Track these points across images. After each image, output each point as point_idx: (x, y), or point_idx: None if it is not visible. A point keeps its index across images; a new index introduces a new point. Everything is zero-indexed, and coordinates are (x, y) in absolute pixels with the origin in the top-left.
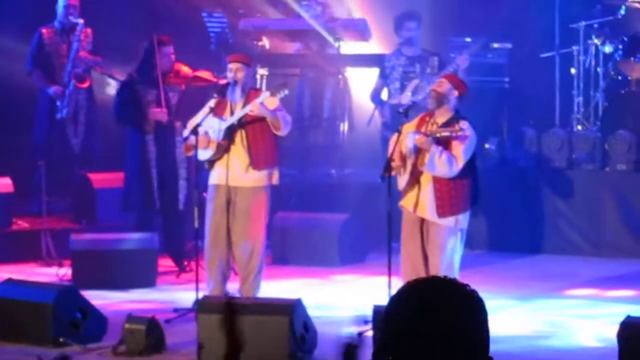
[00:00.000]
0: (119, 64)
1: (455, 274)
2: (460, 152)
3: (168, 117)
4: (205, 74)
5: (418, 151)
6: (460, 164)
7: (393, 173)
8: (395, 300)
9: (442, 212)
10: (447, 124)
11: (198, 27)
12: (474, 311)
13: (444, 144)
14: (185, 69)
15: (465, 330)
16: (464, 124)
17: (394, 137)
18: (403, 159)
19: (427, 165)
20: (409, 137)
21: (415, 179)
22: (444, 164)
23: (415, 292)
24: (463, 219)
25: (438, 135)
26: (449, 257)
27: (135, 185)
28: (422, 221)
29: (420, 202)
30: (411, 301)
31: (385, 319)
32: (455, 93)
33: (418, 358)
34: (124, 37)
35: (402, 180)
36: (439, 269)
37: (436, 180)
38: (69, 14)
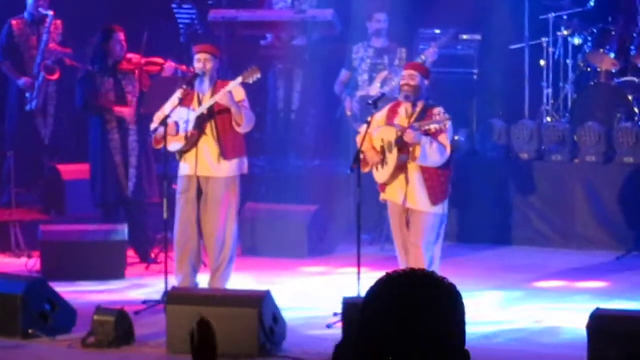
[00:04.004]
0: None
1: (437, 263)
2: (446, 140)
3: (134, 115)
4: (156, 59)
5: (403, 144)
6: (449, 151)
7: (367, 168)
8: (372, 293)
9: (434, 200)
10: (423, 113)
11: (168, 19)
12: (451, 304)
13: (429, 134)
14: (136, 57)
15: (443, 323)
16: (441, 111)
17: (363, 128)
18: (381, 152)
19: (420, 158)
20: (383, 130)
21: (400, 170)
22: (436, 154)
23: (392, 285)
24: (447, 204)
25: (427, 128)
26: (430, 243)
27: (101, 176)
28: (408, 211)
29: (409, 194)
30: (388, 294)
31: (362, 311)
32: (426, 82)
33: (394, 351)
34: (94, 29)
35: (383, 174)
36: (422, 257)
37: (424, 170)
38: (39, 6)
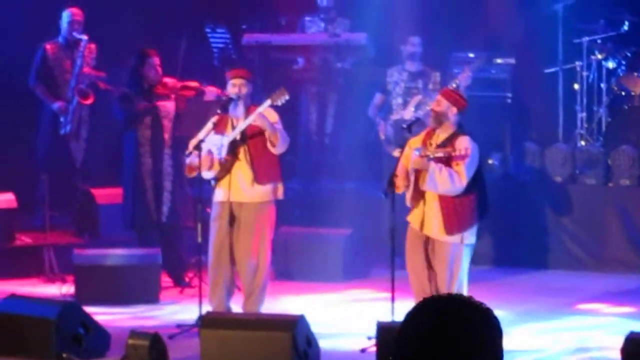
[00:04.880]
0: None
1: (464, 289)
2: (463, 169)
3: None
4: (192, 83)
5: (418, 170)
6: (464, 180)
7: (400, 190)
8: (409, 317)
9: (449, 230)
10: (447, 140)
11: (202, 43)
12: (488, 329)
13: (445, 162)
14: (172, 81)
15: (480, 348)
16: (464, 140)
17: (397, 152)
18: (408, 176)
19: (427, 184)
20: (412, 154)
21: (419, 195)
22: (445, 181)
23: (430, 309)
24: (470, 234)
25: (433, 156)
26: (455, 273)
27: (132, 200)
28: (427, 237)
29: (426, 221)
30: (426, 319)
31: (398, 336)
32: (454, 110)
33: None
34: (128, 53)
35: (407, 197)
36: (446, 285)
37: (441, 198)
38: (73, 30)
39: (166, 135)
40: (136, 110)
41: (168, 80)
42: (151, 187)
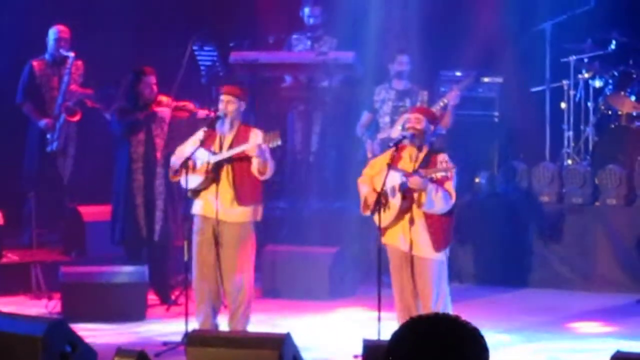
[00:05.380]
0: (109, 96)
1: (449, 307)
2: (452, 188)
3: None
4: (186, 104)
5: (407, 190)
6: (454, 198)
7: (368, 211)
8: (397, 337)
9: (437, 247)
10: (427, 158)
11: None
12: (475, 348)
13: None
14: (166, 99)
15: None
16: (445, 157)
17: (384, 171)
18: (383, 196)
19: (426, 205)
20: (394, 176)
21: (402, 216)
22: (441, 201)
23: (418, 329)
24: (447, 250)
25: (433, 176)
26: (441, 292)
27: (122, 216)
28: (411, 256)
29: (413, 240)
30: (413, 338)
31: (386, 354)
32: (432, 128)
33: None
34: (116, 71)
35: (385, 218)
36: (433, 304)
37: (428, 217)
38: (60, 47)
39: (158, 154)
40: (136, 118)
41: (163, 98)
42: (142, 204)
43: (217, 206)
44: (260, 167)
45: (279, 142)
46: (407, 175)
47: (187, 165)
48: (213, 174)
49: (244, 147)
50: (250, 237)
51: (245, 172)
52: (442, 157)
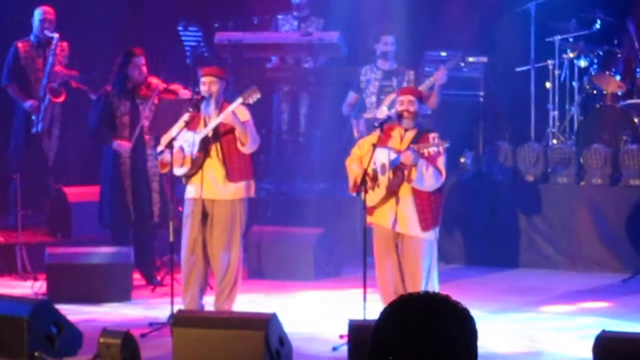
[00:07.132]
0: (94, 78)
1: (436, 287)
2: (442, 165)
3: (131, 147)
4: (175, 87)
5: (397, 166)
6: (444, 176)
7: (355, 191)
8: (385, 316)
9: (425, 226)
10: (418, 137)
11: (174, 41)
12: (464, 329)
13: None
14: (156, 82)
15: (455, 347)
16: (436, 136)
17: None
18: (372, 174)
19: (416, 181)
20: (383, 153)
21: (391, 194)
22: (431, 177)
23: (407, 307)
24: (437, 231)
25: (425, 150)
26: (428, 271)
27: (109, 199)
28: (398, 236)
29: (400, 218)
30: (401, 317)
31: (373, 334)
32: (423, 107)
33: None
34: (101, 52)
35: (374, 197)
36: (421, 284)
37: (417, 195)
38: (45, 28)
39: (147, 137)
40: (104, 136)
41: (152, 80)
42: (130, 187)
43: (202, 187)
44: (240, 137)
45: (259, 95)
46: (398, 151)
47: (172, 146)
48: (202, 155)
49: (220, 117)
50: (241, 215)
51: (234, 148)
52: (433, 135)
